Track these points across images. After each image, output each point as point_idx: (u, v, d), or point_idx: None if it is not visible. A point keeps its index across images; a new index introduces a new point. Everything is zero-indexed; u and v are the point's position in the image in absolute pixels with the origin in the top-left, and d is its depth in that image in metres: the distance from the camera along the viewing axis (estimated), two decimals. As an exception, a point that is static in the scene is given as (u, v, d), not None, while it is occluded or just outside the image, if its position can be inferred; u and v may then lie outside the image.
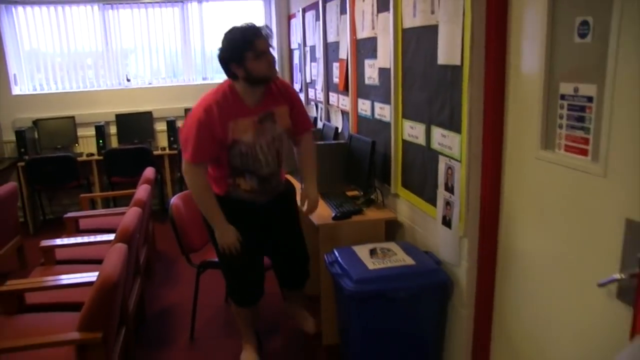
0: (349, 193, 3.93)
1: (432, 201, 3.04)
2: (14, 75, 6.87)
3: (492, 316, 2.76)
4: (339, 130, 4.73)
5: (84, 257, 4.06)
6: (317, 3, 5.16)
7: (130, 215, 3.63)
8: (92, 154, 6.73)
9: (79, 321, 2.67)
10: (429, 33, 2.87)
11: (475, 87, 2.53)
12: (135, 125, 6.98)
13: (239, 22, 3.00)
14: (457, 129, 2.69)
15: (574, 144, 2.06)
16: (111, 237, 3.49)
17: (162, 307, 4.42)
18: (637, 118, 1.73)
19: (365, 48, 3.93)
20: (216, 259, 3.40)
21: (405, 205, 3.47)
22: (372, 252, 3.07)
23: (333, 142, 4.37)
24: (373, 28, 3.71)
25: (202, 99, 3.06)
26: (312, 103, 5.82)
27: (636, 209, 1.78)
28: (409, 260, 2.96)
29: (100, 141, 6.74)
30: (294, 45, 6.73)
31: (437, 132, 2.91)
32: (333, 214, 3.52)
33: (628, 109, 1.77)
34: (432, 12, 2.82)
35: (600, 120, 1.91)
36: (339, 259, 3.04)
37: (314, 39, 5.48)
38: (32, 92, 7.00)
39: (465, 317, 2.84)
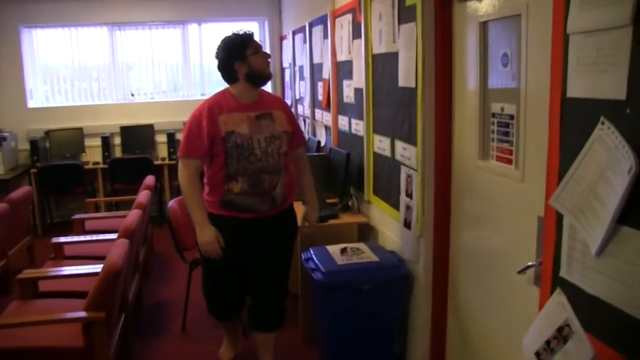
0: (328, 200, 4.33)
1: (397, 206, 3.45)
2: (30, 90, 7.38)
3: (446, 305, 3.17)
4: (322, 144, 5.17)
5: (90, 254, 4.46)
6: (305, 27, 5.63)
7: (132, 216, 4.07)
8: (97, 163, 7.18)
9: (85, 302, 3.09)
10: (392, 59, 3.31)
11: (427, 106, 2.96)
12: (137, 136, 7.43)
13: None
14: (414, 142, 3.12)
15: (502, 154, 2.49)
16: (115, 236, 3.91)
17: (157, 301, 4.83)
18: (542, 132, 2.15)
19: (343, 70, 4.38)
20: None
21: (376, 211, 3.89)
22: (343, 251, 3.48)
23: (315, 154, 4.81)
24: (349, 52, 4.16)
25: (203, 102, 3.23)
26: (301, 118, 6.27)
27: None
28: (375, 258, 3.37)
29: (106, 151, 7.18)
30: (285, 64, 7.22)
31: (399, 145, 3.34)
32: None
33: (537, 125, 2.18)
34: (394, 41, 3.26)
35: (519, 134, 2.33)
36: (313, 256, 3.45)
37: (302, 59, 5.94)
38: (45, 105, 7.53)
39: (424, 307, 3.24)
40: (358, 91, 4.02)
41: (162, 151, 7.45)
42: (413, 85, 3.04)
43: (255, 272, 3.32)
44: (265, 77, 3.20)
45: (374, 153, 3.81)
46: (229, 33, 3.18)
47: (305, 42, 5.70)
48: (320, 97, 5.23)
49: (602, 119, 1.58)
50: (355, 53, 4.03)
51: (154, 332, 4.26)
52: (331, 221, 3.95)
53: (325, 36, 4.87)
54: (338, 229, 3.93)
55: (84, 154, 7.37)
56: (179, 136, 7.15)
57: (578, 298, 1.76)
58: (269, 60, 3.22)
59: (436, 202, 3.07)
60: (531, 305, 2.18)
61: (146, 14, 7.45)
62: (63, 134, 7.31)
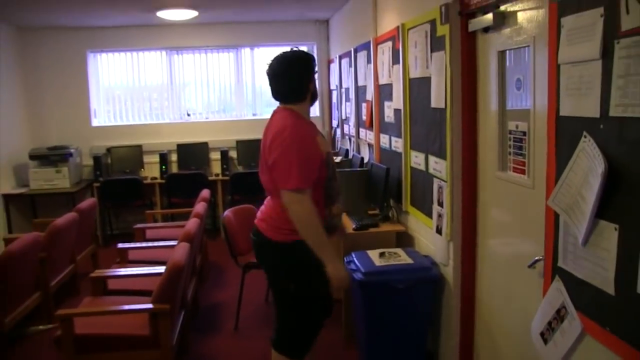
0: (370, 212, 4.72)
1: (430, 215, 3.81)
2: (94, 109, 8.02)
3: (474, 303, 3.51)
4: (364, 160, 5.57)
5: (152, 259, 4.92)
6: (350, 52, 6.07)
7: (191, 223, 4.53)
8: (155, 178, 7.72)
9: (152, 296, 3.54)
10: (425, 83, 3.70)
11: (455, 125, 3.33)
12: (193, 153, 7.94)
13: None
14: (444, 157, 3.49)
15: (517, 165, 2.85)
16: (175, 243, 4.36)
17: (212, 303, 5.28)
18: (544, 147, 2.51)
19: (384, 92, 4.79)
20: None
21: (413, 220, 4.26)
22: (381, 255, 3.85)
23: (357, 169, 5.22)
24: (390, 76, 4.57)
25: (284, 125, 2.87)
26: (347, 137, 6.68)
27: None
28: (409, 260, 3.73)
29: (163, 167, 7.73)
30: (332, 87, 7.67)
31: (432, 160, 3.71)
32: (353, 226, 4.33)
33: (543, 140, 2.53)
34: (427, 67, 3.65)
35: (530, 148, 2.69)
36: (355, 259, 3.83)
37: (348, 82, 6.38)
38: (107, 124, 8.14)
39: (453, 306, 3.58)
40: (397, 111, 4.42)
41: (216, 167, 7.92)
42: (443, 106, 3.42)
43: None
44: (316, 98, 3.12)
45: (411, 167, 4.18)
46: (286, 50, 3.05)
47: (350, 65, 6.14)
48: (364, 117, 5.64)
49: (584, 133, 1.94)
50: (394, 77, 4.43)
51: (209, 330, 4.70)
52: (372, 230, 4.33)
53: (368, 61, 5.29)
54: (378, 237, 4.31)
55: (142, 169, 7.90)
56: (232, 153, 7.72)
57: (571, 283, 2.11)
58: None
59: (463, 210, 3.42)
60: (540, 295, 2.49)
61: (202, 40, 8.02)
62: (123, 150, 7.88)
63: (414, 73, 3.94)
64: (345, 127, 6.75)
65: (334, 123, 7.56)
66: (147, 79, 8.15)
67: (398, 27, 4.25)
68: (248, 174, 7.33)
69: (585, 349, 2.06)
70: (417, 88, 3.92)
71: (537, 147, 2.61)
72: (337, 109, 7.26)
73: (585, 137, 1.94)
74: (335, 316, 3.90)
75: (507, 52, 2.88)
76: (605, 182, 1.80)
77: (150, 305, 3.52)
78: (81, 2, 5.99)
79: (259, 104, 8.26)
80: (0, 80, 7.00)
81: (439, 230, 3.66)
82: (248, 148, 7.80)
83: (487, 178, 3.23)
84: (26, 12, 6.40)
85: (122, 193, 7.45)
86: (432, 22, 3.54)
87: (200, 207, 5.21)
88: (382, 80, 4.83)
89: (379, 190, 4.55)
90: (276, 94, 3.02)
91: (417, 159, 4.04)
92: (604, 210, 1.86)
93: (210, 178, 7.64)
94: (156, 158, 7.80)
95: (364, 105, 5.64)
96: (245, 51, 8.20)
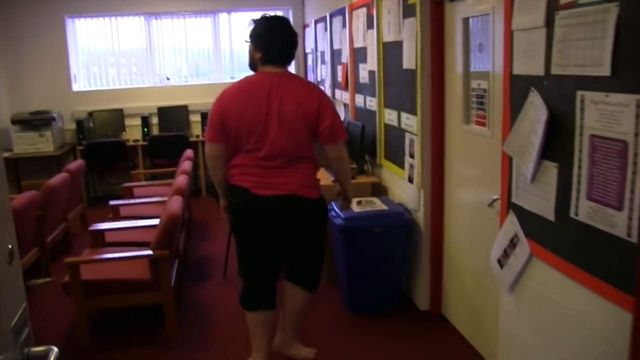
0: (347, 166, 5.10)
1: (402, 166, 4.20)
2: (74, 74, 8.19)
3: (442, 245, 3.94)
4: (342, 118, 5.93)
5: (143, 214, 5.20)
6: (325, 17, 6.39)
7: (181, 179, 4.87)
8: (137, 140, 7.99)
9: (152, 243, 3.87)
10: (398, 46, 4.07)
11: (425, 84, 3.72)
12: (173, 116, 8.20)
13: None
14: (415, 113, 3.87)
15: (479, 119, 3.24)
16: (164, 198, 4.67)
17: (200, 255, 5.65)
18: (501, 102, 2.90)
19: (359, 55, 5.14)
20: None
21: (387, 172, 4.66)
22: (359, 203, 4.24)
23: (335, 127, 5.58)
24: (364, 40, 4.91)
25: (318, 89, 3.21)
26: (323, 98, 7.02)
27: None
28: (384, 207, 4.14)
29: (145, 129, 8.00)
30: (307, 50, 7.99)
31: (404, 116, 4.09)
32: (332, 178, 4.69)
33: (500, 96, 2.92)
34: (400, 32, 4.01)
35: (490, 103, 3.09)
36: (335, 207, 4.22)
37: (323, 45, 6.70)
38: (88, 89, 8.33)
39: (424, 248, 4.01)
40: (372, 73, 4.78)
41: (197, 129, 8.20)
42: (414, 67, 3.79)
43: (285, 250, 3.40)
44: None
45: (385, 124, 4.56)
46: (270, 14, 3.15)
47: (326, 30, 6.45)
48: (339, 79, 6.00)
49: (532, 88, 2.34)
50: (369, 41, 4.78)
51: (200, 278, 5.07)
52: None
53: (344, 25, 5.62)
54: (355, 188, 4.63)
55: (124, 132, 8.12)
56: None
57: (521, 214, 2.53)
58: None
59: (433, 160, 3.83)
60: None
61: (180, 5, 8.20)
62: (105, 114, 8.07)
63: (388, 37, 4.30)
64: (321, 88, 7.06)
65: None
66: (126, 44, 8.33)
67: (372, -6, 4.58)
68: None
69: (532, 268, 2.48)
70: (390, 51, 4.27)
71: (495, 102, 3.01)
72: (313, 71, 7.58)
73: (532, 91, 2.33)
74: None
75: (471, 19, 3.26)
76: (547, 128, 2.20)
77: (150, 252, 3.86)
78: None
79: (236, 68, 8.53)
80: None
81: (410, 180, 4.06)
82: (227, 110, 8.00)
83: (453, 131, 3.62)
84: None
85: (106, 156, 7.69)
86: (404, -9, 3.90)
87: (186, 165, 5.54)
88: (357, 44, 5.18)
89: (355, 146, 4.92)
90: (287, 58, 3.10)
91: (390, 116, 4.42)
92: (546, 152, 2.26)
93: (191, 139, 7.90)
94: (138, 121, 8.04)
95: (339, 67, 5.98)
96: (223, 16, 8.42)
